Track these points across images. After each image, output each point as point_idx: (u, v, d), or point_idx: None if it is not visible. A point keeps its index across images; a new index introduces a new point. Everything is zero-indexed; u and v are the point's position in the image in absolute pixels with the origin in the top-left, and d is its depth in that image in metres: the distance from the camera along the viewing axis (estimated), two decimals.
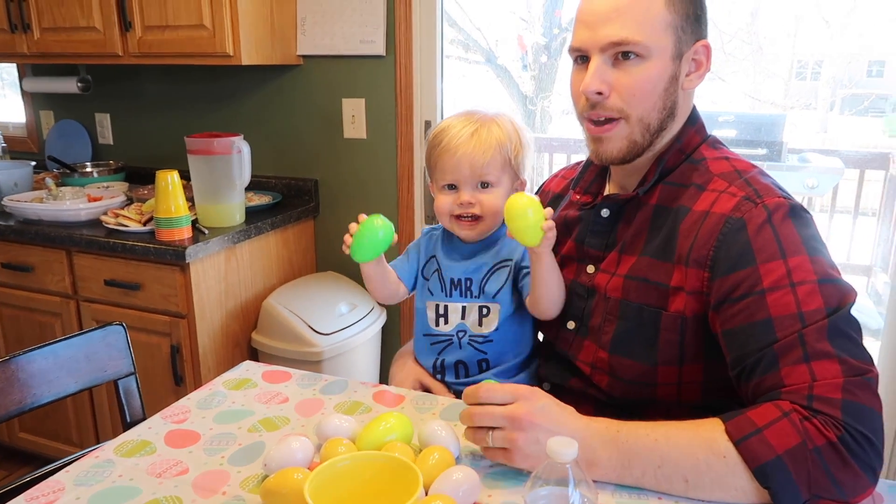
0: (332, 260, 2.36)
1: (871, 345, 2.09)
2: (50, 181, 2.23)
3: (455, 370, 1.10)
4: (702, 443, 0.77)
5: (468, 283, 1.09)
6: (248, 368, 1.11)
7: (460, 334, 1.09)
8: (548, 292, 1.01)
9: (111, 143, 2.67)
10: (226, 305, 1.99)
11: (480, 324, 1.08)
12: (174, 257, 1.82)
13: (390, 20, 2.09)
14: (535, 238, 0.94)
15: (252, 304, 2.09)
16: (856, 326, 0.80)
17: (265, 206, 2.20)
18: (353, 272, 2.32)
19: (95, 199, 2.14)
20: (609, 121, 0.93)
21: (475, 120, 1.06)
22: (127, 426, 1.06)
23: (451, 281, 1.10)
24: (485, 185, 1.05)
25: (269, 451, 0.81)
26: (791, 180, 4.29)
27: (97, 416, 2.14)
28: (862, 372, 0.76)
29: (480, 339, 1.08)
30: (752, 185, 0.89)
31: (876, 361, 1.80)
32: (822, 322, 0.78)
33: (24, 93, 2.78)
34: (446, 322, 1.10)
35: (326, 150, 2.29)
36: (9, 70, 3.05)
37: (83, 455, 0.88)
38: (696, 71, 0.95)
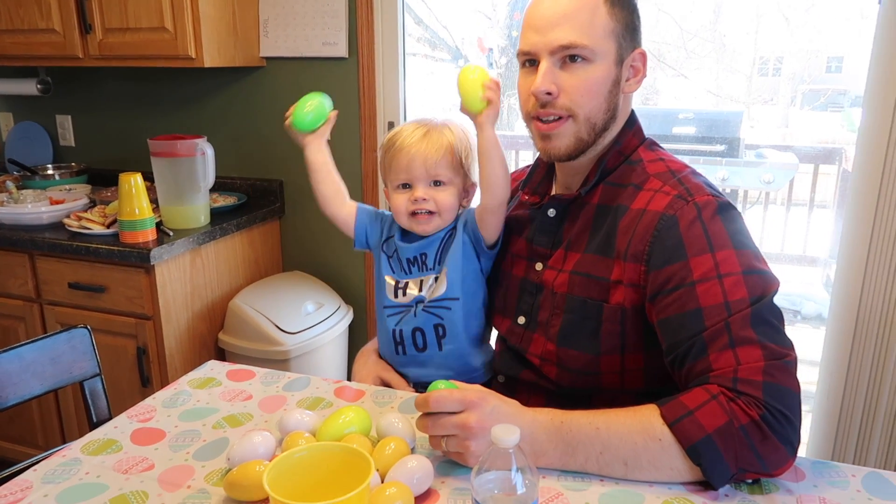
0: (298, 260, 2.39)
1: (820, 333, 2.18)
2: (10, 184, 2.21)
3: (413, 339, 1.14)
4: (639, 428, 0.83)
5: (423, 257, 1.14)
6: (212, 368, 1.14)
7: (417, 304, 1.14)
8: (490, 166, 1.06)
9: (73, 144, 2.65)
10: (192, 307, 2.01)
11: (434, 291, 1.13)
12: (139, 259, 1.83)
13: (352, 22, 2.12)
14: (476, 105, 1.03)
15: (218, 304, 2.11)
16: (777, 314, 0.87)
17: (230, 207, 2.22)
18: (319, 271, 2.35)
19: (57, 202, 2.14)
20: (558, 119, 0.99)
21: (426, 124, 1.12)
22: (93, 426, 1.09)
23: (408, 260, 1.15)
24: (437, 183, 1.11)
25: (233, 446, 0.85)
26: (748, 175, 4.41)
27: (63, 418, 2.13)
28: (781, 356, 0.83)
29: (435, 305, 1.13)
30: (684, 185, 0.96)
31: (822, 348, 1.87)
32: (746, 311, 0.84)
33: None
34: (404, 294, 1.15)
35: (291, 151, 2.31)
36: None
37: (50, 455, 0.90)
38: (635, 77, 1.02)
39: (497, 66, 4.19)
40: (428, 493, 0.80)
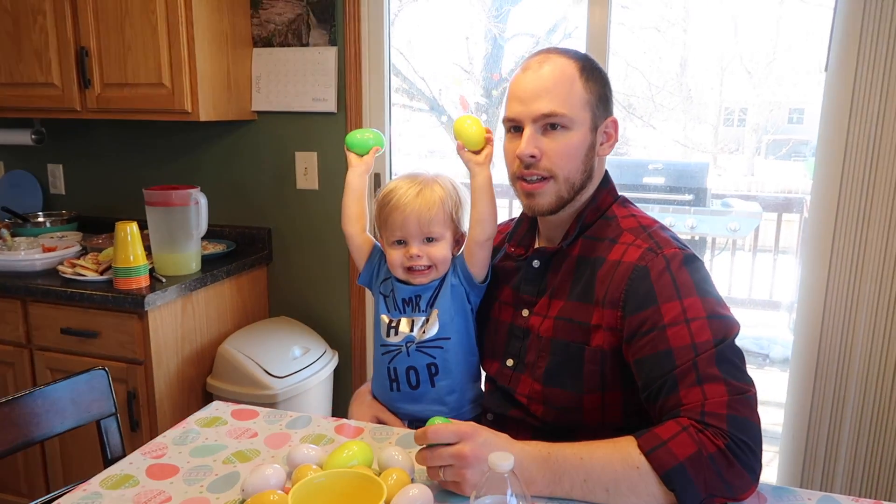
0: (285, 305, 2.46)
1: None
2: (4, 231, 2.26)
3: (406, 377, 1.22)
4: (619, 457, 0.92)
5: (417, 299, 1.22)
6: (217, 408, 1.20)
7: (408, 344, 1.22)
8: (484, 203, 1.17)
9: (62, 193, 2.71)
10: (182, 352, 2.06)
11: (424, 332, 1.21)
12: (133, 305, 1.89)
13: (341, 80, 2.25)
14: (479, 144, 1.17)
15: (207, 349, 2.16)
16: (739, 354, 0.97)
17: (220, 254, 2.29)
18: (305, 317, 2.41)
19: (50, 249, 2.19)
20: (541, 179, 1.10)
21: (419, 181, 1.21)
22: (108, 463, 1.14)
23: (403, 300, 1.23)
24: (430, 239, 1.20)
25: (246, 478, 0.91)
26: (715, 224, 4.59)
27: (48, 466, 2.14)
28: (743, 391, 0.93)
29: (427, 346, 1.21)
30: (653, 238, 1.07)
31: (786, 389, 1.98)
32: (711, 351, 0.95)
33: None
34: (396, 334, 1.23)
35: (280, 201, 2.41)
36: None
37: (68, 490, 0.95)
38: (608, 141, 1.14)
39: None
40: None
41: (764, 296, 4.51)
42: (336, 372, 2.35)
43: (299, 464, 0.95)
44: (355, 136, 1.30)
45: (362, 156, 1.29)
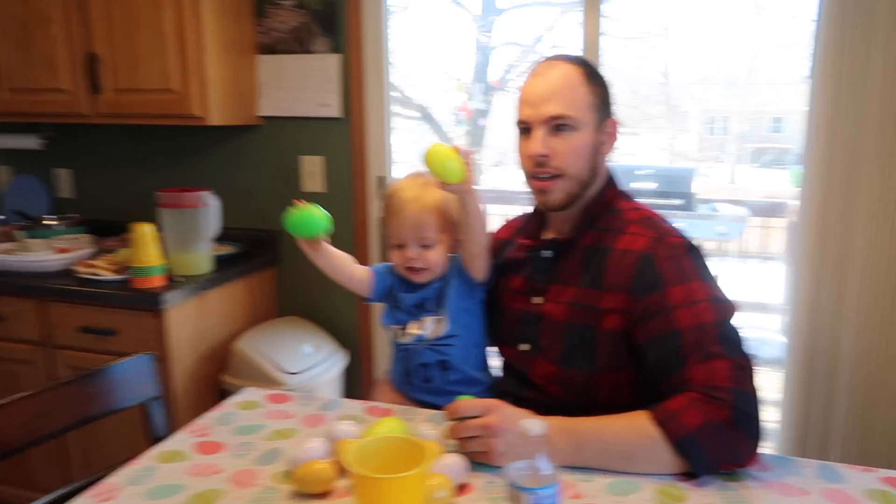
0: (294, 305, 2.52)
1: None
2: (20, 233, 2.31)
3: (420, 373, 1.29)
4: (634, 428, 1.01)
5: (424, 303, 1.30)
6: (251, 393, 1.28)
7: (419, 344, 1.29)
8: (475, 227, 1.19)
9: (70, 197, 2.76)
10: (198, 349, 2.12)
11: (434, 332, 1.28)
12: (150, 303, 1.95)
13: (345, 86, 2.32)
14: (458, 175, 1.10)
15: (221, 347, 2.22)
16: (738, 332, 1.07)
17: (230, 255, 2.35)
18: (315, 316, 2.47)
19: (63, 251, 2.24)
20: (552, 177, 1.19)
21: (418, 184, 1.26)
22: (152, 443, 1.21)
23: (410, 307, 1.31)
24: (426, 245, 1.25)
25: (294, 450, 0.99)
26: (703, 227, 4.72)
27: (72, 460, 2.19)
28: (744, 366, 1.03)
29: (436, 345, 1.28)
30: (658, 229, 1.17)
31: (783, 389, 2.04)
32: (714, 330, 1.04)
33: None
34: (405, 335, 1.30)
35: (286, 203, 2.44)
36: None
37: (101, 476, 1.01)
38: (610, 141, 1.24)
39: (466, 123, 4.48)
40: (463, 486, 0.95)
41: (752, 298, 4.62)
42: (346, 370, 2.41)
43: (340, 437, 1.03)
44: (307, 218, 1.18)
45: (311, 238, 1.23)
